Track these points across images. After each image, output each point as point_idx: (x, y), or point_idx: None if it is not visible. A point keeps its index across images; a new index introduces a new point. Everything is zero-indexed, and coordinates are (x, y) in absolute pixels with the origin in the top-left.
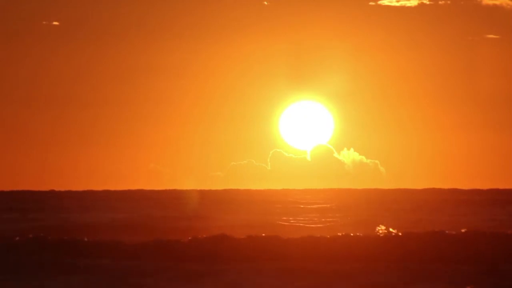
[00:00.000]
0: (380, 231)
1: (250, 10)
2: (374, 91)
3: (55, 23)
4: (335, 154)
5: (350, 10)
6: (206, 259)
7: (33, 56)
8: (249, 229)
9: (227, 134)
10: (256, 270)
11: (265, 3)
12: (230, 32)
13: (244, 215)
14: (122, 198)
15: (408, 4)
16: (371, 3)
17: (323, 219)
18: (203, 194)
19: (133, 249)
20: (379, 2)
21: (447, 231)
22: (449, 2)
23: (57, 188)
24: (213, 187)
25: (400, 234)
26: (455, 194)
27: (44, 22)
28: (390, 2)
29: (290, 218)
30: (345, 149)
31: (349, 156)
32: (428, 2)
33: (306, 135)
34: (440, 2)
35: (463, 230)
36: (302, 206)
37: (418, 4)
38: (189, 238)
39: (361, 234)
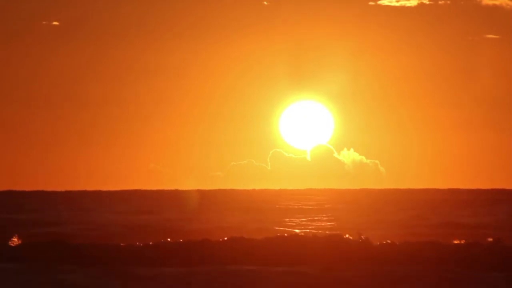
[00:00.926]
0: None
1: (250, 10)
2: (374, 91)
3: (55, 23)
4: (335, 154)
5: (350, 10)
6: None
7: (33, 56)
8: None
9: (227, 134)
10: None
11: (265, 3)
12: (230, 32)
13: (230, 217)
14: (120, 198)
15: (408, 4)
16: (370, 3)
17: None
18: (203, 194)
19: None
20: (379, 2)
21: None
22: (449, 2)
23: (57, 188)
24: (213, 187)
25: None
26: (455, 194)
27: (44, 22)
28: (390, 2)
29: (286, 220)
30: (345, 149)
31: (349, 156)
32: (428, 2)
33: (306, 135)
34: (440, 2)
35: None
36: (296, 207)
37: (418, 4)
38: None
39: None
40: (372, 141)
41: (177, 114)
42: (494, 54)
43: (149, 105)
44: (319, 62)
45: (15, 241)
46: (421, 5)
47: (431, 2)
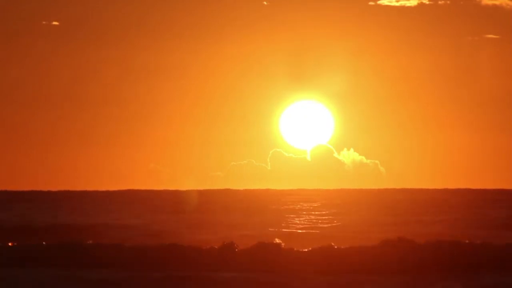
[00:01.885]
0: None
1: (250, 10)
2: (374, 91)
3: (55, 23)
4: (335, 154)
5: (350, 10)
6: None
7: (33, 56)
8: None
9: (227, 134)
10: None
11: (265, 3)
12: (230, 32)
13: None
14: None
15: (407, 4)
16: (370, 3)
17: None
18: (203, 194)
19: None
20: (379, 2)
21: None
22: (448, 2)
23: (57, 188)
24: (213, 187)
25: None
26: (454, 194)
27: (44, 22)
28: (390, 2)
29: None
30: (345, 149)
31: (349, 156)
32: (427, 2)
33: (306, 135)
34: (439, 2)
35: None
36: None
37: (418, 4)
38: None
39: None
40: (372, 141)
41: (177, 114)
42: (494, 54)
43: (149, 105)
44: (319, 62)
45: None
46: (421, 5)
47: (431, 2)
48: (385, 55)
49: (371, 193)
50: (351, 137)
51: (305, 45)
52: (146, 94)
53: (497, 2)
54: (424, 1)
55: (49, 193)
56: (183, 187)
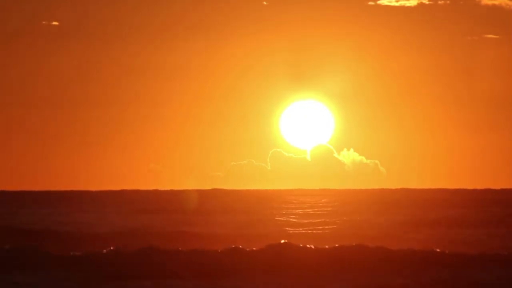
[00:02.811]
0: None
1: (250, 10)
2: (374, 91)
3: (55, 23)
4: (335, 154)
5: (350, 10)
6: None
7: (33, 56)
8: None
9: (227, 134)
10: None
11: (264, 3)
12: (230, 32)
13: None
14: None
15: (407, 4)
16: (370, 3)
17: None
18: (202, 194)
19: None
20: (379, 2)
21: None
22: (448, 2)
23: (56, 188)
24: (213, 187)
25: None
26: (454, 194)
27: (44, 22)
28: (390, 2)
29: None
30: (345, 149)
31: (349, 156)
32: (427, 2)
33: (306, 134)
34: (439, 2)
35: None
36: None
37: (418, 4)
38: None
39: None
40: (372, 141)
41: (177, 114)
42: (494, 54)
43: (149, 105)
44: (319, 62)
45: None
46: (420, 5)
47: (430, 2)
48: (385, 55)
49: (371, 193)
50: (351, 137)
51: (305, 45)
52: (146, 94)
53: (496, 2)
54: (424, 1)
55: (48, 193)
56: (183, 187)
